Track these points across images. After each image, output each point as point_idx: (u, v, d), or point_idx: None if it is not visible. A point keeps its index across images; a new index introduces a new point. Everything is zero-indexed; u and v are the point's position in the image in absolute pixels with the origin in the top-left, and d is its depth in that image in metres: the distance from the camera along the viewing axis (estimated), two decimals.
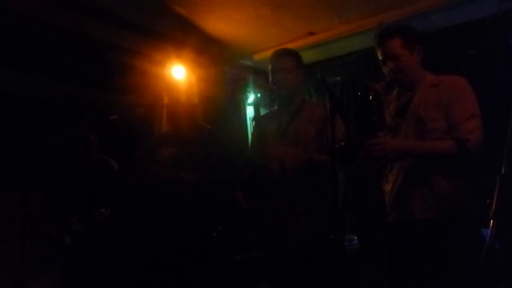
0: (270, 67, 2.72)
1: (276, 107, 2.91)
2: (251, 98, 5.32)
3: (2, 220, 3.54)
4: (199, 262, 2.93)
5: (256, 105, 5.22)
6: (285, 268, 2.57)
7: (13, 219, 3.14)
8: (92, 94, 4.44)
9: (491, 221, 1.78)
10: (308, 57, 3.31)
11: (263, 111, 4.96)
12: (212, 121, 3.49)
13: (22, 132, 4.09)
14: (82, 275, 3.47)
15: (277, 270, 2.63)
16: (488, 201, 1.83)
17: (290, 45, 4.39)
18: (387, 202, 2.31)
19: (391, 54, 2.27)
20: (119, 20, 3.86)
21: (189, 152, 2.98)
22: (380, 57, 2.34)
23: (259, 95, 5.30)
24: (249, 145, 3.11)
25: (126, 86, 4.26)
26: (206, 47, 4.47)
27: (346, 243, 3.17)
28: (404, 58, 2.26)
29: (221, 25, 4.13)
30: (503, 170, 1.83)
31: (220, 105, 4.91)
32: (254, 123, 3.04)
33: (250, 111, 5.39)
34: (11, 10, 3.42)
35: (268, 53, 4.62)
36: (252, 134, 3.04)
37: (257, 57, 4.86)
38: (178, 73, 4.58)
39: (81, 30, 3.89)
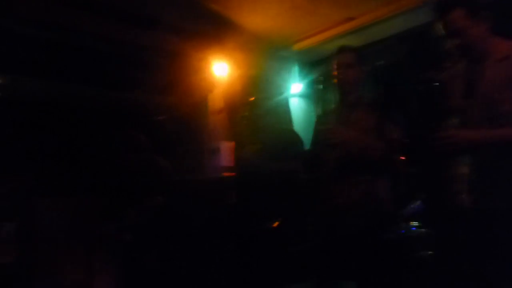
0: (332, 63, 2.76)
1: (334, 103, 2.94)
2: (296, 89, 5.27)
3: (64, 224, 3.62)
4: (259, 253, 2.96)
5: (318, 100, 5.13)
6: (341, 256, 2.56)
7: (74, 222, 3.27)
8: (138, 97, 4.56)
9: None
10: (349, 43, 3.23)
11: (316, 106, 4.89)
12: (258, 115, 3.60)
13: (75, 138, 4.26)
14: (144, 269, 3.58)
15: (332, 258, 2.63)
16: None
17: (330, 32, 4.33)
18: (459, 187, 2.04)
19: (454, 28, 1.97)
20: (156, 22, 3.93)
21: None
22: (441, 31, 2.04)
23: (320, 87, 5.24)
24: (312, 140, 3.08)
25: (170, 87, 4.38)
26: (245, 42, 4.47)
27: (403, 231, 3.14)
28: (470, 31, 1.95)
29: (258, 19, 4.13)
30: None
31: (265, 99, 4.91)
32: (317, 119, 3.06)
33: (294, 103, 5.35)
34: (43, 20, 3.52)
35: (309, 42, 4.68)
36: (315, 130, 3.00)
37: (297, 47, 4.82)
38: (221, 70, 4.64)
39: (121, 36, 3.99)
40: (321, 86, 4.80)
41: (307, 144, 3.32)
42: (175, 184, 3.67)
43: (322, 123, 2.91)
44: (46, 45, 3.69)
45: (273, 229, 3.13)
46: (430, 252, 3.05)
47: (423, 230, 3.56)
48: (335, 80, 2.75)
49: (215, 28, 4.21)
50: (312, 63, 5.12)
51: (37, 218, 3.67)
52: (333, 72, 2.75)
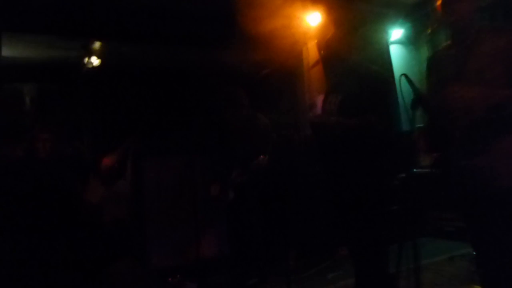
0: None
1: (447, 43, 2.47)
2: (396, 35, 4.88)
3: (171, 183, 3.73)
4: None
5: (430, 42, 4.70)
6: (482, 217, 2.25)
7: (181, 182, 3.34)
8: (234, 54, 4.48)
9: None
10: None
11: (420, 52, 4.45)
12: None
13: (178, 99, 4.31)
14: (246, 226, 3.62)
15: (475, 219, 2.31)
16: None
17: None
18: None
19: None
20: None
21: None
22: None
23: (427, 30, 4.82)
24: (427, 91, 2.71)
25: (264, 42, 4.23)
26: None
27: None
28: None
29: None
30: None
31: (363, 48, 4.60)
32: (428, 63, 2.59)
33: (394, 49, 4.98)
34: None
35: None
36: (428, 78, 2.58)
37: None
38: (315, 20, 4.41)
39: None
40: (428, 29, 4.38)
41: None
42: (275, 141, 3.59)
43: (436, 69, 2.46)
44: (151, 11, 3.74)
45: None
46: None
47: None
48: (444, 18, 2.30)
49: None
50: (414, 4, 4.68)
51: (147, 176, 3.87)
52: (440, 8, 2.30)
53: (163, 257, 3.83)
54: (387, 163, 2.55)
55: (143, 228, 3.84)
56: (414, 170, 3.66)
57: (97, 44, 4.40)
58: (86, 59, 4.49)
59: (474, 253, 2.29)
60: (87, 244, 2.79)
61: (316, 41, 4.58)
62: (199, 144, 3.79)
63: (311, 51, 4.59)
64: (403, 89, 2.29)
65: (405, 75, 2.28)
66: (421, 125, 2.58)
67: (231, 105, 3.62)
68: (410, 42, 4.87)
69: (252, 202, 3.62)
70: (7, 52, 3.84)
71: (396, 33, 4.88)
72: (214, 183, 3.69)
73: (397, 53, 4.94)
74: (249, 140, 3.60)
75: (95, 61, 4.51)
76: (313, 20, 4.41)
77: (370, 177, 2.45)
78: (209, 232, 3.93)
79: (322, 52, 4.49)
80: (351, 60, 2.80)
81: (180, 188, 3.86)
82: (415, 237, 2.23)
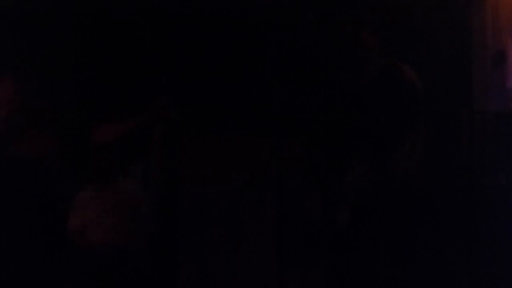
0: None
1: None
2: None
3: (256, 169, 2.79)
4: None
5: None
6: None
7: (268, 167, 2.43)
8: None
9: None
10: None
11: None
12: None
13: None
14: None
15: None
16: None
17: None
18: None
19: None
20: None
21: None
22: None
23: None
24: None
25: None
26: None
27: None
28: None
29: None
30: None
31: None
32: None
33: None
34: None
35: None
36: None
37: None
38: None
39: None
40: None
41: None
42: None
43: None
44: None
45: None
46: None
47: None
48: None
49: None
50: None
51: (185, 171, 3.00)
52: None
53: None
54: None
55: (175, 264, 2.75)
56: None
57: None
58: None
59: None
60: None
61: None
62: (283, 120, 2.59)
63: None
64: None
65: None
66: None
67: (349, 50, 2.32)
68: None
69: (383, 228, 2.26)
70: None
71: None
72: (311, 191, 2.36)
73: None
74: (384, 111, 2.22)
75: None
76: None
77: None
78: (293, 272, 2.66)
79: None
80: None
81: (242, 194, 2.82)
82: None
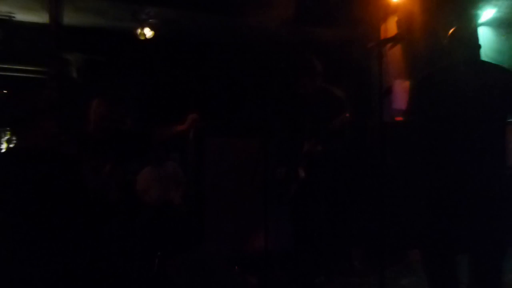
0: None
1: None
2: (486, 16, 4.33)
3: (248, 164, 3.42)
4: None
5: None
6: None
7: (257, 163, 3.03)
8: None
9: None
10: None
11: None
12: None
13: (253, 78, 4.00)
14: (313, 216, 3.33)
15: None
16: None
17: None
18: None
19: None
20: None
21: None
22: None
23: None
24: None
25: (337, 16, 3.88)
26: None
27: None
28: None
29: None
30: None
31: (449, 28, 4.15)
32: None
33: (483, 32, 4.43)
34: None
35: None
36: None
37: None
38: None
39: None
40: None
41: None
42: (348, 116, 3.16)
43: None
44: None
45: None
46: None
47: None
48: None
49: None
50: None
51: (208, 159, 3.75)
52: None
53: (221, 247, 3.62)
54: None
55: (201, 215, 3.66)
56: None
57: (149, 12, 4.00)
58: (138, 30, 4.06)
59: None
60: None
61: (396, 18, 4.08)
62: (268, 123, 3.43)
63: (390, 29, 4.08)
64: None
65: None
66: None
67: (305, 74, 3.27)
68: (503, 24, 4.30)
69: (324, 182, 3.27)
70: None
71: (486, 13, 4.33)
72: (280, 165, 3.34)
73: (486, 37, 4.38)
74: (322, 115, 3.23)
75: (148, 32, 4.07)
76: None
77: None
78: (275, 223, 3.58)
79: (402, 30, 4.03)
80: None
81: (244, 173, 3.54)
82: None
